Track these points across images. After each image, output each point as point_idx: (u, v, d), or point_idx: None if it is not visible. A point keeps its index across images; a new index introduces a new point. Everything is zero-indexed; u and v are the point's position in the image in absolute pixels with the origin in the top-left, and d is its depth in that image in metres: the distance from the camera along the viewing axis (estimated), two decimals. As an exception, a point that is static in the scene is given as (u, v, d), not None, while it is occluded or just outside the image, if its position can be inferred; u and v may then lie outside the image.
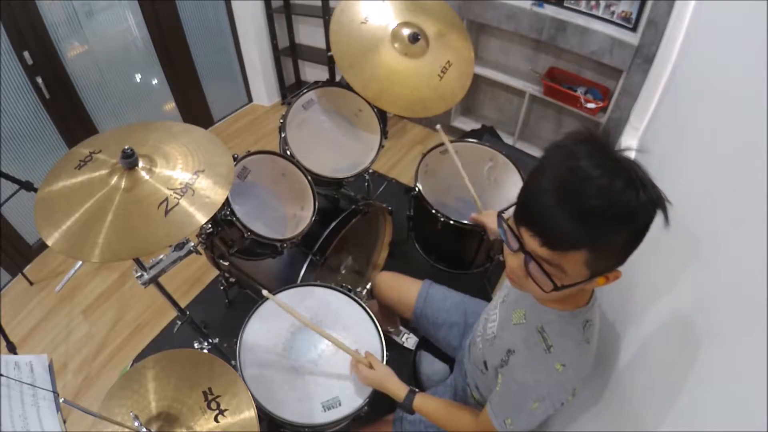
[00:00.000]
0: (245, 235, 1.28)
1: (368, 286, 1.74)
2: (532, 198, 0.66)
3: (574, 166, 0.61)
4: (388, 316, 1.60)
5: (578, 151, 0.63)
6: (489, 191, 1.69)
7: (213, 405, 0.93)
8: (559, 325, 0.80)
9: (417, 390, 1.01)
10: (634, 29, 1.98)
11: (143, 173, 0.94)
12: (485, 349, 0.97)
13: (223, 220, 1.28)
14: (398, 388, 1.02)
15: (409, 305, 1.35)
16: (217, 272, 2.06)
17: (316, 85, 1.60)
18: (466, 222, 1.46)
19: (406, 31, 1.48)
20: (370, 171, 1.64)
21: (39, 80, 2.07)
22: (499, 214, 0.74)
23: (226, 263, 1.55)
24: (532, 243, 0.66)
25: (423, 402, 1.00)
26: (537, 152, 2.55)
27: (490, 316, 0.99)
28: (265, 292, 1.11)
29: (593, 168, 0.60)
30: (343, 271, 1.84)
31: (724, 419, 0.52)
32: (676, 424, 0.62)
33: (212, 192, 0.95)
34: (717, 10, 1.06)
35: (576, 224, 0.60)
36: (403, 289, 1.37)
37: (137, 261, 1.09)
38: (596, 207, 0.59)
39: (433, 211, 1.49)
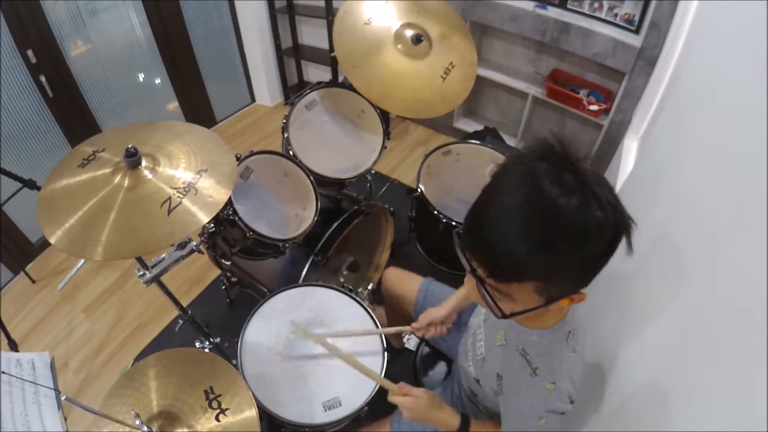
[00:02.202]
0: (247, 234, 1.28)
1: (370, 287, 1.74)
2: (477, 223, 0.61)
3: (524, 192, 0.57)
4: (397, 317, 1.58)
5: (532, 170, 0.58)
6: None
7: (214, 404, 0.93)
8: (540, 345, 0.77)
9: (470, 416, 0.93)
10: (636, 32, 1.98)
11: (146, 172, 0.95)
12: (476, 368, 0.96)
13: (226, 220, 1.29)
14: (450, 416, 0.91)
15: (411, 301, 1.33)
16: (218, 272, 2.06)
17: (319, 85, 1.60)
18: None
19: (409, 33, 1.48)
20: (373, 172, 1.65)
21: (42, 79, 2.07)
22: (456, 233, 0.68)
23: (228, 263, 1.55)
24: (479, 270, 0.63)
25: (479, 430, 0.93)
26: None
27: (477, 335, 0.97)
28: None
29: (551, 186, 0.56)
30: (345, 272, 1.84)
31: (723, 419, 0.52)
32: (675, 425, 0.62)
33: (215, 191, 0.96)
34: (719, 12, 1.06)
35: (519, 256, 0.57)
36: (406, 284, 1.36)
37: (139, 260, 1.09)
38: (544, 235, 0.55)
39: (435, 213, 1.49)
